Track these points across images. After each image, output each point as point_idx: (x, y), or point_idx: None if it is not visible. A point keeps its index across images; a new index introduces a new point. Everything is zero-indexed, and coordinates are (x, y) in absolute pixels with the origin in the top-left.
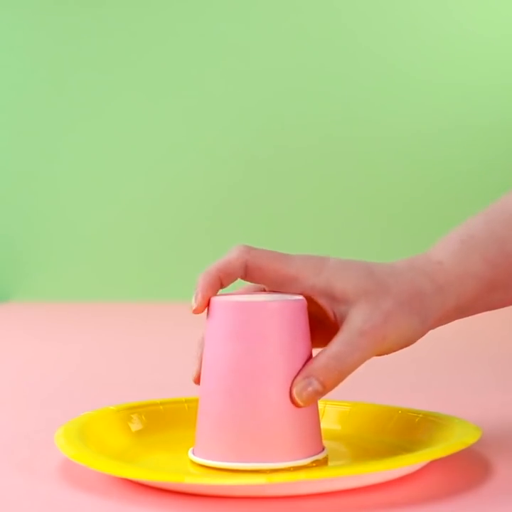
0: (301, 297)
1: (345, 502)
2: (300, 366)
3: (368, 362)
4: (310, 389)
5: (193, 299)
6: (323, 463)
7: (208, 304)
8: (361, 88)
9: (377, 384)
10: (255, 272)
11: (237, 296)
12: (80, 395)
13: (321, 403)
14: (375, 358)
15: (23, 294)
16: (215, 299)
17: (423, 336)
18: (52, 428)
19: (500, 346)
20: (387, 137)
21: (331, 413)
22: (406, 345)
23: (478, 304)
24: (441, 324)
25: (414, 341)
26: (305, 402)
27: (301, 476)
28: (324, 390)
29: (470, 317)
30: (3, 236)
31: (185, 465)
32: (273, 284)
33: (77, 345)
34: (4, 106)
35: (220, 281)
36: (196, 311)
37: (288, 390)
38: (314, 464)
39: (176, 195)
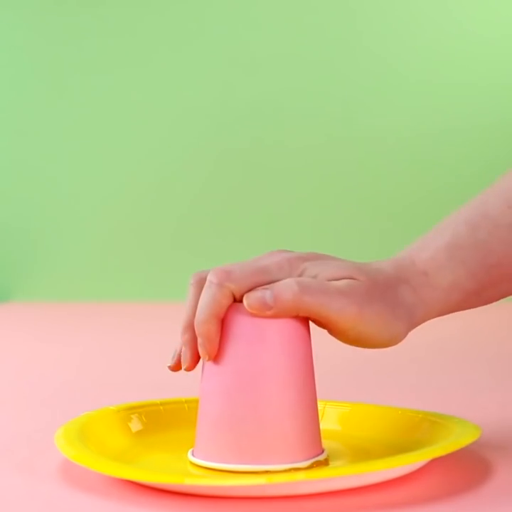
0: None
1: (345, 502)
2: (300, 367)
3: (368, 362)
4: (260, 295)
5: (183, 357)
6: (323, 464)
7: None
8: (361, 88)
9: (377, 384)
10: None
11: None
12: (80, 395)
13: (321, 403)
14: (374, 358)
15: (23, 294)
16: None
17: (400, 338)
18: (52, 428)
19: (499, 346)
20: (387, 137)
21: (331, 413)
22: (381, 341)
23: (461, 309)
24: (419, 325)
25: (392, 340)
26: (250, 306)
27: (301, 476)
28: (274, 304)
29: (470, 317)
30: (3, 236)
31: (185, 466)
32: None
33: (77, 345)
34: (3, 106)
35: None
36: (189, 369)
37: (288, 392)
38: (315, 466)
39: (177, 196)
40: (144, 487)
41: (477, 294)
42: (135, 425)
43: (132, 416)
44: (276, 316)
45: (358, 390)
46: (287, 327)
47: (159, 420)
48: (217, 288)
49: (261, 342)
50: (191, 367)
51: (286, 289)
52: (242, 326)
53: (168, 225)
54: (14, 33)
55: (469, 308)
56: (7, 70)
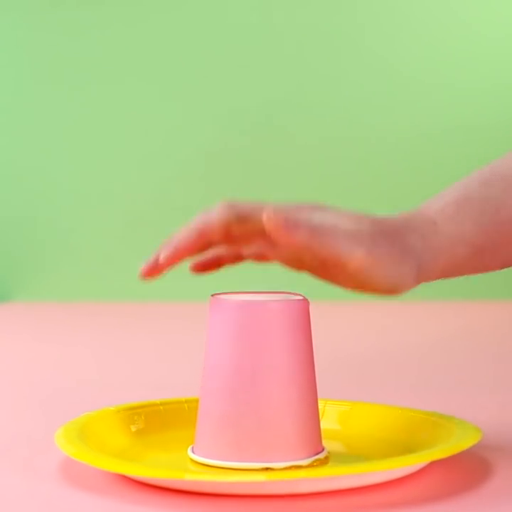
0: (302, 297)
1: (346, 501)
2: (302, 365)
3: (368, 361)
4: (284, 216)
5: (162, 254)
6: (323, 462)
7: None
8: (363, 88)
9: (378, 383)
10: (241, 238)
11: (240, 294)
12: (80, 395)
13: (321, 402)
14: (375, 358)
15: (23, 294)
16: (217, 298)
17: (408, 285)
18: (52, 428)
19: (499, 346)
20: (388, 137)
21: (331, 413)
22: (388, 285)
23: (465, 267)
24: (426, 281)
25: (399, 285)
26: (269, 218)
27: (301, 474)
28: (291, 229)
29: (470, 316)
30: (2, 236)
31: (186, 463)
32: (260, 244)
33: (77, 345)
34: (3, 105)
35: (200, 246)
36: (167, 259)
37: (289, 391)
38: (315, 464)
39: (178, 196)
40: (144, 485)
41: (484, 252)
42: (135, 425)
43: (132, 416)
44: (285, 242)
45: (359, 389)
46: (289, 326)
47: (159, 420)
48: (216, 207)
49: (262, 340)
50: (150, 270)
51: (305, 224)
52: (245, 325)
53: (168, 226)
54: (14, 31)
55: (475, 271)
56: (7, 69)
